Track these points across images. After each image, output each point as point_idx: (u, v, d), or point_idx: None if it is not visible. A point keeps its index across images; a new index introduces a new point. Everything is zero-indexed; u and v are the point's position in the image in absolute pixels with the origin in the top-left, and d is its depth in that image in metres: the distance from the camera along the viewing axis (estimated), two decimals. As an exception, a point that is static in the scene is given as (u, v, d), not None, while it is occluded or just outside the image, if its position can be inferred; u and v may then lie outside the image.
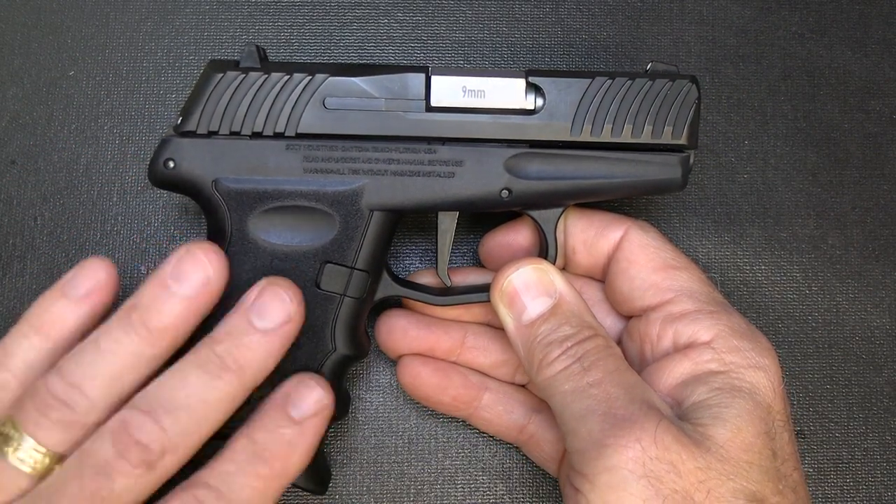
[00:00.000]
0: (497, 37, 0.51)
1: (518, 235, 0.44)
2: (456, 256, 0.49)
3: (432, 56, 0.51)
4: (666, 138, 0.40)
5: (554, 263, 0.42)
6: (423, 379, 0.44)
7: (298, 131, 0.39)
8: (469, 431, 0.48)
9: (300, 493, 0.46)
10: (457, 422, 0.48)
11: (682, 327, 0.38)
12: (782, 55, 0.52)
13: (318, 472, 0.42)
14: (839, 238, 0.50)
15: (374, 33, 0.51)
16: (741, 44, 0.52)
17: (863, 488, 0.48)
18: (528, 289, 0.38)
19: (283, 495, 0.46)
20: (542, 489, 0.48)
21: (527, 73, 0.40)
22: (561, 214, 0.42)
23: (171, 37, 0.50)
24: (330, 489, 0.47)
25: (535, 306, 0.38)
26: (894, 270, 0.50)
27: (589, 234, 0.42)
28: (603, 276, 0.43)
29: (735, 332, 0.38)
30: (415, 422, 0.48)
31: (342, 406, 0.42)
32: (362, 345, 0.42)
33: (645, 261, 0.40)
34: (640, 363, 0.41)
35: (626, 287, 0.41)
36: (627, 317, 0.43)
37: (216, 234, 0.40)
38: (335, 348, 0.40)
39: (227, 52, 0.50)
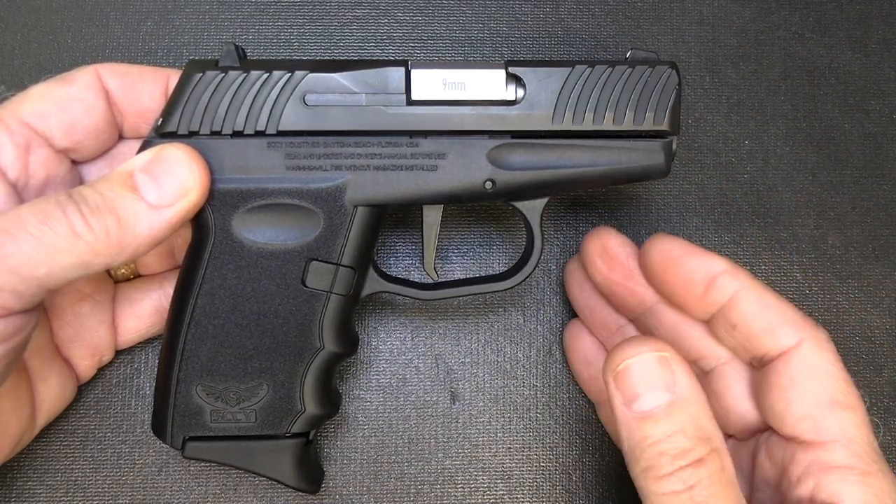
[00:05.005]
0: (497, 36, 0.51)
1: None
2: (442, 250, 0.49)
3: (432, 55, 0.51)
4: (648, 124, 0.40)
5: (539, 256, 0.42)
6: (580, 344, 0.47)
7: (279, 129, 0.39)
8: (469, 431, 0.48)
9: (298, 494, 0.46)
10: (457, 422, 0.48)
11: (828, 484, 0.35)
12: (782, 55, 0.52)
13: (310, 472, 0.42)
14: (839, 238, 0.50)
15: (374, 33, 0.51)
16: (741, 44, 0.52)
17: (863, 488, 0.48)
18: (645, 377, 0.34)
19: (283, 496, 0.46)
20: (542, 489, 0.48)
21: (506, 64, 0.40)
22: (545, 204, 0.42)
23: (171, 37, 0.50)
24: (330, 489, 0.47)
25: (649, 398, 0.34)
26: (894, 270, 0.50)
27: (757, 324, 0.38)
28: (746, 360, 0.40)
29: (883, 502, 0.34)
30: (415, 422, 0.48)
31: (332, 405, 0.42)
32: (351, 341, 0.42)
33: (812, 388, 0.36)
34: (773, 490, 0.38)
35: (779, 406, 0.37)
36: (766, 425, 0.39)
37: (200, 234, 0.40)
38: (323, 346, 0.40)
39: (227, 52, 0.50)
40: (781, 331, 0.37)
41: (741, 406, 0.40)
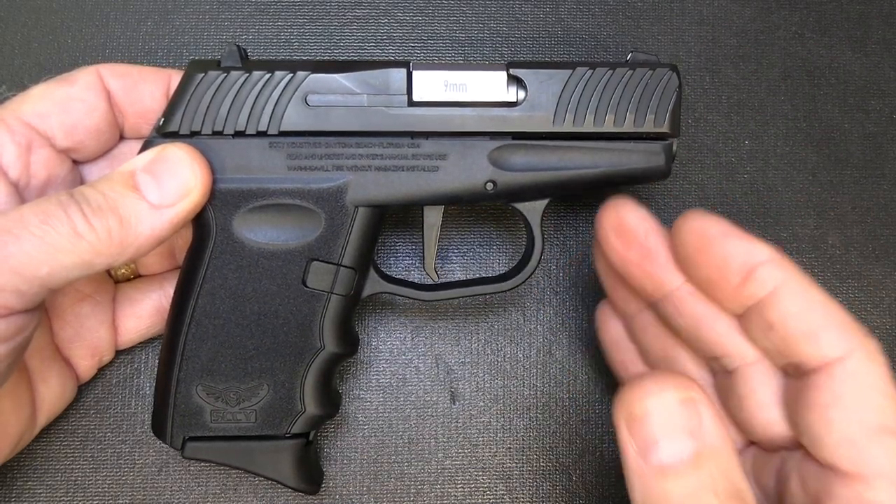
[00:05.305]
0: (497, 36, 0.51)
1: None
2: (443, 251, 0.49)
3: (433, 56, 0.51)
4: (648, 127, 0.40)
5: (540, 257, 0.42)
6: (610, 328, 0.43)
7: (281, 129, 0.39)
8: (469, 431, 0.48)
9: (297, 494, 0.46)
10: (457, 422, 0.48)
11: None
12: (782, 55, 0.52)
13: (310, 472, 0.42)
14: (839, 238, 0.50)
15: (374, 33, 0.51)
16: (741, 44, 0.52)
17: (863, 488, 0.48)
18: (666, 421, 0.29)
19: (283, 496, 0.46)
20: (542, 489, 0.48)
21: (508, 66, 0.40)
22: (545, 206, 0.42)
23: (171, 37, 0.50)
24: (330, 489, 0.47)
25: (670, 447, 0.29)
26: (894, 270, 0.50)
27: (798, 326, 0.32)
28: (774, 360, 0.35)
29: None
30: (415, 422, 0.48)
31: (332, 405, 0.42)
32: (351, 342, 0.42)
33: (858, 409, 0.31)
34: None
35: (817, 426, 0.32)
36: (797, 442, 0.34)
37: (201, 234, 0.40)
38: (323, 346, 0.40)
39: (227, 51, 0.50)
40: (826, 337, 0.32)
41: (768, 413, 0.35)
